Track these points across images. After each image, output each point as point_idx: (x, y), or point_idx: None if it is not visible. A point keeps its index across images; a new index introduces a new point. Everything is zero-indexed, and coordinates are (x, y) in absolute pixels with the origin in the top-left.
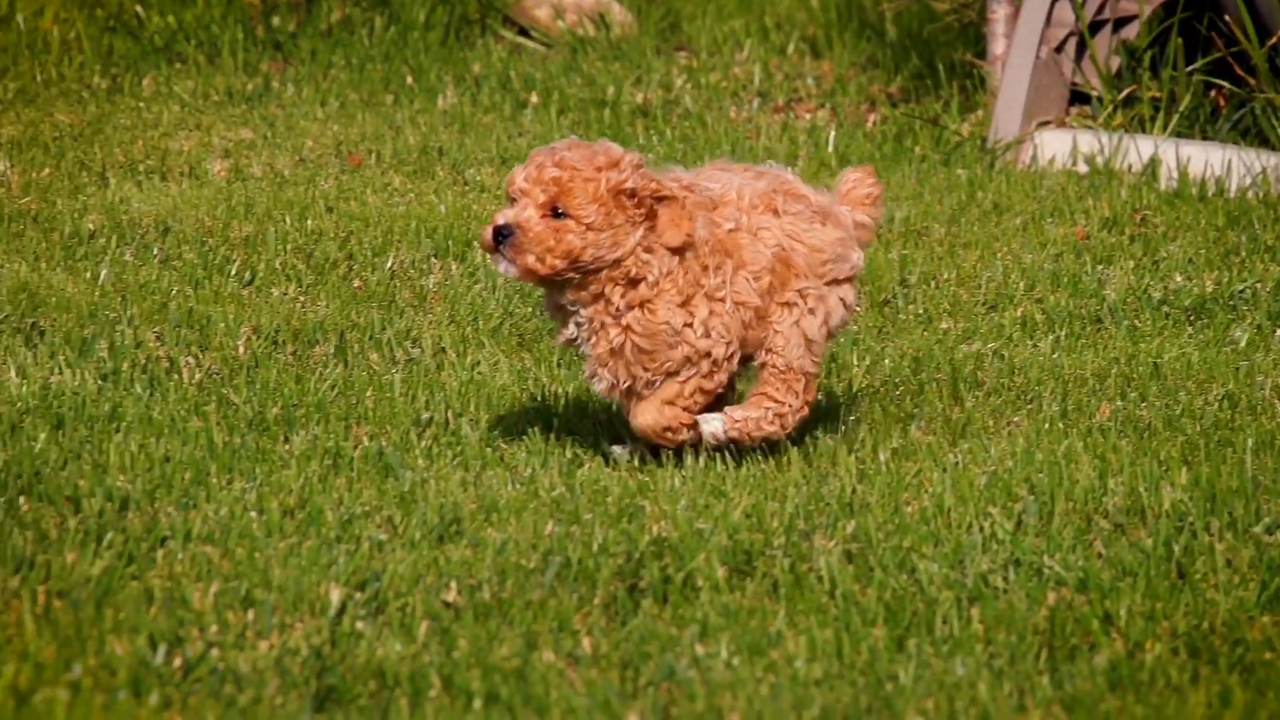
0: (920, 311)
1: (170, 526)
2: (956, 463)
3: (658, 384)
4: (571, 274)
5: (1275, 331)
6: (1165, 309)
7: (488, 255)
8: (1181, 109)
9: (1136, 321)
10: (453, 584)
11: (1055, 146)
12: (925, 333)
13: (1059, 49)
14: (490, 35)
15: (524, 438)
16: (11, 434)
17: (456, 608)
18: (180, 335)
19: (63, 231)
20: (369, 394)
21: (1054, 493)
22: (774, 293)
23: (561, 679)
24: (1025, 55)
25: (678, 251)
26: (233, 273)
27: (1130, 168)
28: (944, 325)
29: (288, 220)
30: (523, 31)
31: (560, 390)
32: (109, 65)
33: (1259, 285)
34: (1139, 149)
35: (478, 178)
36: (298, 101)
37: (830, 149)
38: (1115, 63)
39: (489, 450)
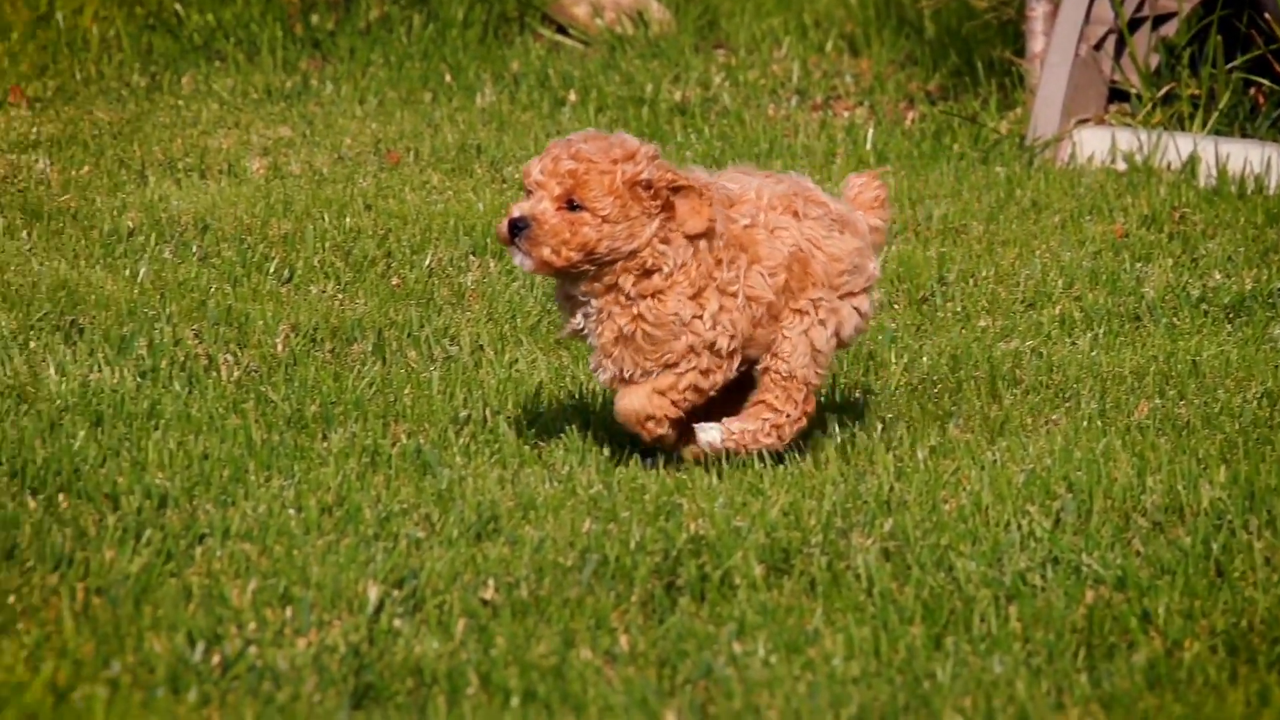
0: (959, 309)
1: (209, 524)
2: (995, 461)
3: (655, 375)
4: (587, 266)
5: None
6: (1204, 307)
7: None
8: (1221, 106)
9: (1175, 319)
10: (490, 581)
11: (1094, 144)
12: (963, 330)
13: (1098, 46)
14: (529, 33)
15: (562, 435)
16: (51, 431)
17: (494, 605)
18: (219, 333)
19: (102, 229)
20: (407, 391)
21: (1092, 491)
22: (789, 293)
23: (599, 677)
24: (1064, 53)
25: (700, 238)
26: (271, 270)
27: (1169, 165)
28: (982, 323)
29: (326, 218)
30: (561, 29)
31: (598, 388)
32: (148, 63)
33: None
34: (1178, 147)
35: (516, 175)
36: (336, 99)
37: (869, 147)
38: (1154, 60)
39: (527, 448)
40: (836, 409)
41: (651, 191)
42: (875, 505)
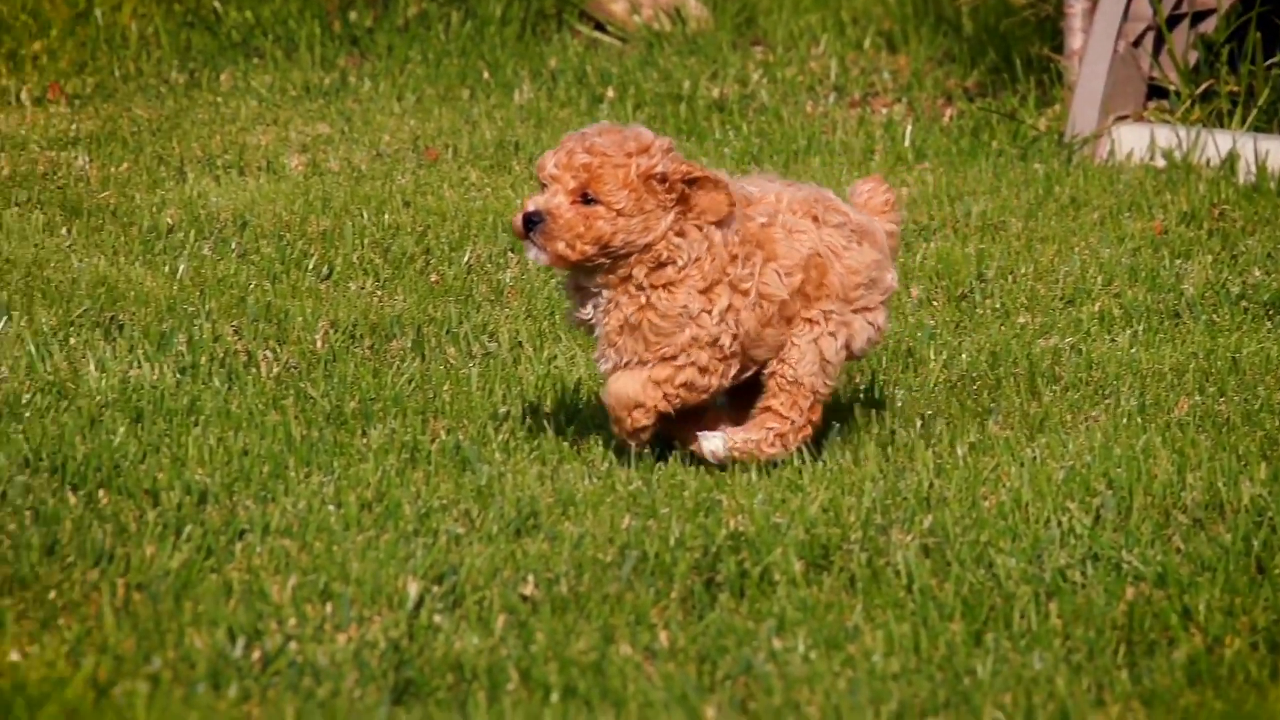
0: (998, 306)
1: (249, 520)
2: (1034, 457)
3: (651, 365)
4: (602, 259)
5: None
6: (1244, 303)
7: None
8: (1260, 103)
9: (1215, 316)
10: (530, 577)
11: (1133, 141)
12: (1003, 327)
13: (1136, 43)
14: (566, 30)
15: (601, 432)
16: (91, 427)
17: (534, 601)
18: (258, 329)
19: (141, 226)
20: (446, 388)
21: (1132, 487)
22: (803, 297)
23: (639, 672)
24: (1103, 49)
25: (723, 224)
26: (310, 267)
27: (1208, 162)
28: (1021, 320)
29: (365, 215)
30: (599, 26)
31: None
32: (187, 60)
33: None
34: (1217, 143)
35: None
36: (374, 96)
37: (907, 143)
38: (1193, 57)
39: (566, 444)
40: (875, 405)
41: (666, 184)
42: (915, 502)
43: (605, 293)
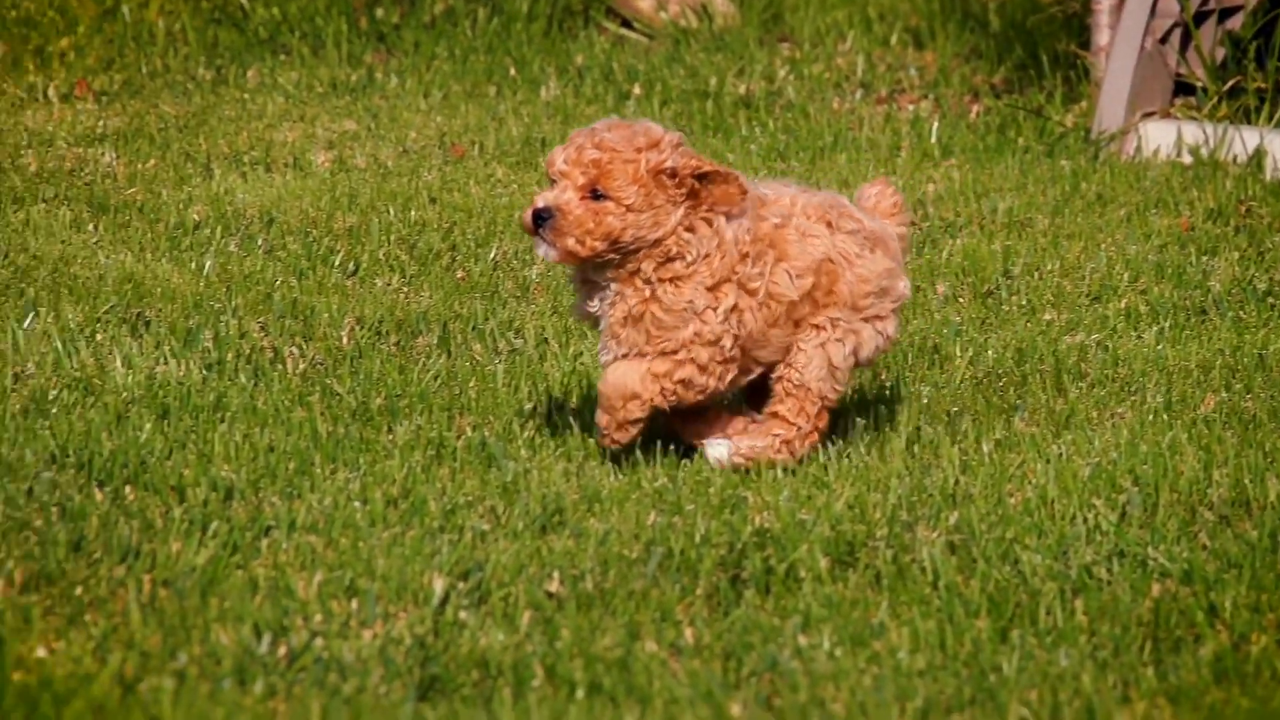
0: (1024, 303)
1: (274, 516)
2: (1060, 454)
3: (650, 358)
4: (611, 255)
5: None
6: (1270, 300)
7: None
8: None
9: (1241, 313)
10: (555, 574)
11: (1159, 138)
12: (1029, 324)
13: (1163, 40)
14: (593, 26)
15: None
16: (117, 424)
17: (559, 598)
18: (284, 325)
19: (168, 222)
20: (472, 384)
21: (1158, 484)
22: (812, 302)
23: (664, 669)
24: (1130, 46)
25: (736, 215)
26: (336, 263)
27: (1235, 159)
28: (1047, 316)
29: (391, 211)
30: (625, 23)
31: None
32: (214, 57)
33: None
34: (1244, 140)
35: None
36: (401, 93)
37: (933, 140)
38: (1220, 54)
39: (591, 441)
40: (901, 402)
41: (676, 180)
42: (940, 498)
43: (612, 286)
